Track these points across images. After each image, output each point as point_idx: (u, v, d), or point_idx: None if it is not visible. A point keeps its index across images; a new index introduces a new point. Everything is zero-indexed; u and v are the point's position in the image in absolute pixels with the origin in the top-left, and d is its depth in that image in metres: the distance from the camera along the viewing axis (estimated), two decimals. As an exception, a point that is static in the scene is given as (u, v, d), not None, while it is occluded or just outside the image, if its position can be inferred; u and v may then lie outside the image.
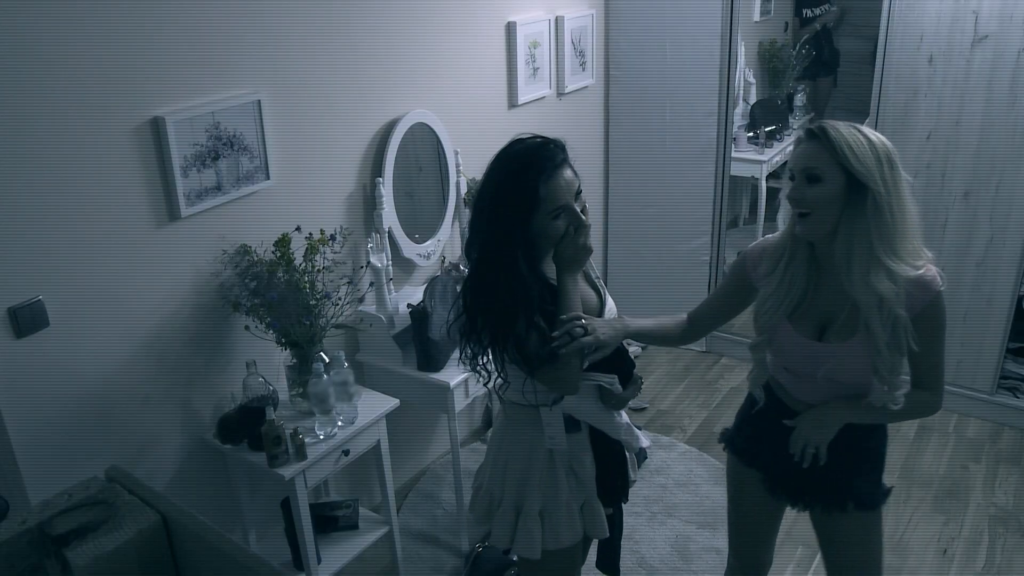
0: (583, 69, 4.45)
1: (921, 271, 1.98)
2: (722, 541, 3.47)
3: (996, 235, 3.95)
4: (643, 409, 4.48)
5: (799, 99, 6.26)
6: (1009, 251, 3.94)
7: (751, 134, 5.73)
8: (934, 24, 3.81)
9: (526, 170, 1.97)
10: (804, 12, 6.37)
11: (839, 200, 1.94)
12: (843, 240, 1.96)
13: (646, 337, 2.34)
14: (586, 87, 4.54)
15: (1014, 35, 3.65)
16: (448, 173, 3.62)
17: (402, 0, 3.29)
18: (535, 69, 4.08)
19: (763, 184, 5.68)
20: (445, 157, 3.59)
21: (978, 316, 4.11)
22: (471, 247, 2.08)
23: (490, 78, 3.88)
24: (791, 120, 6.16)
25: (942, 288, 2.00)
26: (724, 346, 4.96)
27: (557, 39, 4.21)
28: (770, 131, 5.78)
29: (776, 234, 2.19)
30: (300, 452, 2.74)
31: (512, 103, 4.01)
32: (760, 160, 5.61)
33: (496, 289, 2.00)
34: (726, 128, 4.54)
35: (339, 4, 3.05)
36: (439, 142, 3.55)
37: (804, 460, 2.15)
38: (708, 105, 4.50)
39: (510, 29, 3.88)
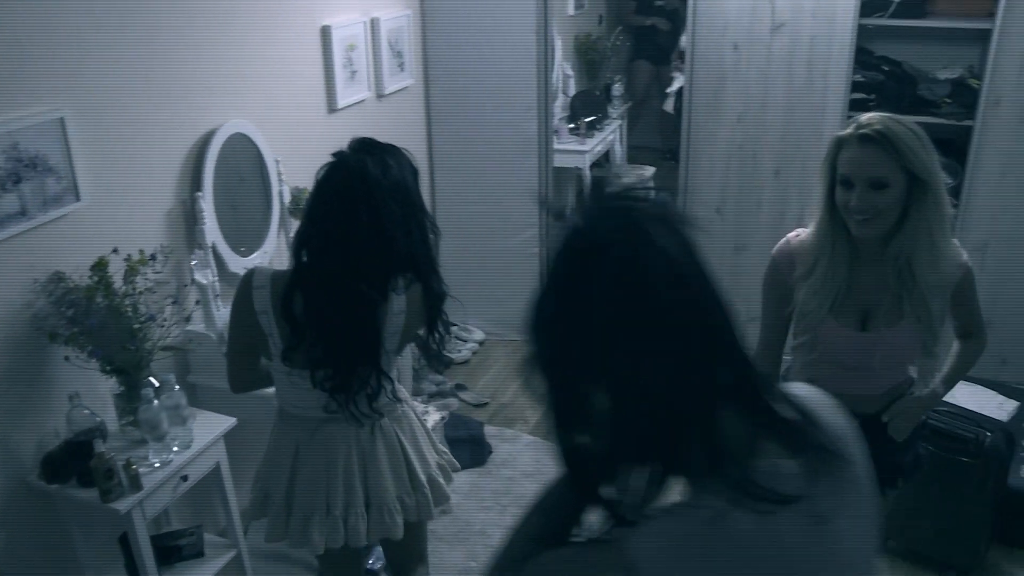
0: (402, 70, 4.44)
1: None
2: (572, 526, 3.55)
3: (805, 210, 4.18)
4: (484, 404, 4.51)
5: (616, 89, 6.47)
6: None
7: (572, 126, 5.88)
8: (736, 13, 4.01)
9: None
10: None
11: (903, 200, 1.96)
12: (908, 235, 1.99)
13: None
14: (406, 88, 4.53)
15: (805, 22, 3.89)
16: (271, 183, 3.53)
17: (210, 7, 3.19)
18: (353, 72, 4.04)
19: (587, 173, 5.83)
20: (266, 167, 3.50)
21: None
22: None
23: (307, 83, 3.81)
24: (610, 110, 6.35)
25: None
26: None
27: (374, 41, 4.18)
28: (590, 121, 5.95)
29: (803, 234, 2.20)
30: (135, 483, 2.62)
31: (332, 107, 3.95)
32: (583, 150, 5.76)
33: None
34: (546, 121, 4.63)
35: (141, 12, 2.92)
36: (259, 152, 3.46)
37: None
38: (528, 100, 4.58)
39: (325, 33, 3.83)
